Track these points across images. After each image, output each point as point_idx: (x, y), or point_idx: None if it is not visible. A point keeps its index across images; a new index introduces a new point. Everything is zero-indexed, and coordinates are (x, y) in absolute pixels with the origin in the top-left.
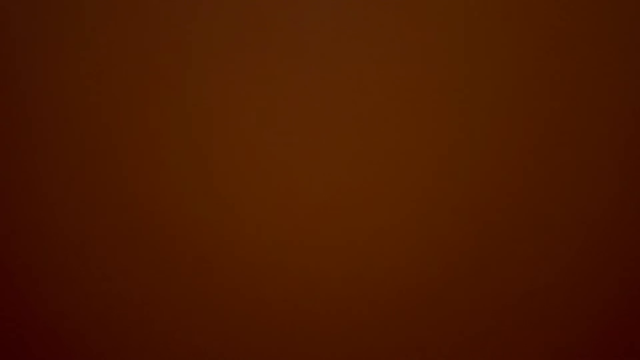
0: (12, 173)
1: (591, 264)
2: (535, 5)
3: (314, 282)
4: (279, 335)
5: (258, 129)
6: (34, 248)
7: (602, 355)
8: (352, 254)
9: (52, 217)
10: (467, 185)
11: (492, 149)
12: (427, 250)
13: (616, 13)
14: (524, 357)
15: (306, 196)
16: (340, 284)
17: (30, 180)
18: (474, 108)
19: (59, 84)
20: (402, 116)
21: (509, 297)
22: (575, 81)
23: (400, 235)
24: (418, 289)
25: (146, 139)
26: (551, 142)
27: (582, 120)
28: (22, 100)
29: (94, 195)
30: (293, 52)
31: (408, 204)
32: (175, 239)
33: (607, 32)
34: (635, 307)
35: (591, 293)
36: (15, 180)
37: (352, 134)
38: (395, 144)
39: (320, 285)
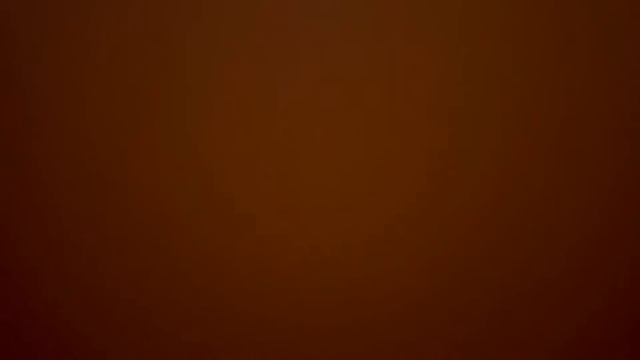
0: (13, 173)
1: (588, 265)
2: (533, 5)
3: (312, 282)
4: (278, 334)
5: (258, 130)
6: (34, 248)
7: (600, 356)
8: (350, 254)
9: (53, 217)
10: (465, 186)
11: (489, 151)
12: (425, 251)
13: (616, 13)
14: (522, 356)
15: (304, 198)
16: (338, 284)
17: (31, 180)
18: (472, 109)
19: (61, 84)
20: (400, 118)
21: (506, 297)
22: (573, 81)
23: (398, 236)
24: (415, 290)
25: (147, 139)
26: (548, 144)
27: (579, 120)
28: (24, 100)
29: (96, 195)
30: (293, 52)
31: (406, 205)
32: (176, 238)
33: (607, 32)
34: (634, 307)
35: (588, 294)
36: (16, 180)
37: (350, 136)
38: (392, 146)
39: (319, 285)
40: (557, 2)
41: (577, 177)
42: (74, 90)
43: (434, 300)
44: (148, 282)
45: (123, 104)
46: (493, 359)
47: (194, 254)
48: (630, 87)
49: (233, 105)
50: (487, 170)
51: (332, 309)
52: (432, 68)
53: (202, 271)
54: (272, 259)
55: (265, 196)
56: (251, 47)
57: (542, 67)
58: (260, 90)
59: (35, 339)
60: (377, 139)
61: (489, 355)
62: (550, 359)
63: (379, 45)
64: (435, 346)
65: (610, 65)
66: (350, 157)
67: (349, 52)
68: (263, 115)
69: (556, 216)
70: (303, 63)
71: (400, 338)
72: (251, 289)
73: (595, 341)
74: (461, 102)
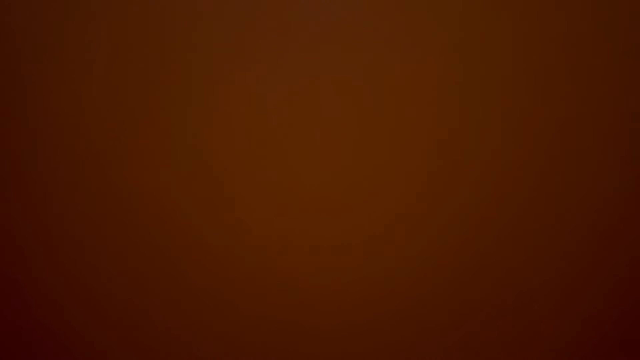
0: (14, 173)
1: (589, 263)
2: (532, 5)
3: (313, 282)
4: (277, 334)
5: (258, 129)
6: (35, 248)
7: (600, 356)
8: (350, 254)
9: (53, 218)
10: (465, 187)
11: (489, 150)
12: (425, 250)
13: (616, 13)
14: (523, 356)
15: (304, 196)
16: (338, 284)
17: (32, 180)
18: (472, 108)
19: (61, 84)
20: (400, 117)
21: (506, 297)
22: (573, 80)
23: (398, 235)
24: (416, 289)
25: (146, 139)
26: (548, 144)
27: (579, 119)
28: (24, 100)
29: (96, 195)
30: (293, 53)
31: (406, 204)
32: (176, 238)
33: (607, 32)
34: (634, 308)
35: (588, 294)
36: (17, 180)
37: (351, 136)
38: (392, 147)
39: (319, 285)
40: (557, 2)
41: (577, 177)
42: (75, 90)
43: (433, 300)
44: (147, 282)
45: (123, 103)
46: (493, 359)
47: (194, 254)
48: (630, 87)
49: (233, 104)
50: (488, 171)
51: (332, 309)
52: (432, 68)
53: (203, 271)
54: (272, 259)
55: (264, 197)
56: (251, 47)
57: (542, 67)
58: (261, 90)
59: (35, 339)
60: (377, 139)
61: (489, 355)
62: (550, 359)
63: (380, 45)
64: (435, 346)
65: (610, 66)
66: (351, 157)
67: (351, 52)
68: (263, 115)
69: (556, 216)
70: (304, 64)
71: (400, 338)
72: (251, 289)
73: (595, 341)
74: (461, 102)
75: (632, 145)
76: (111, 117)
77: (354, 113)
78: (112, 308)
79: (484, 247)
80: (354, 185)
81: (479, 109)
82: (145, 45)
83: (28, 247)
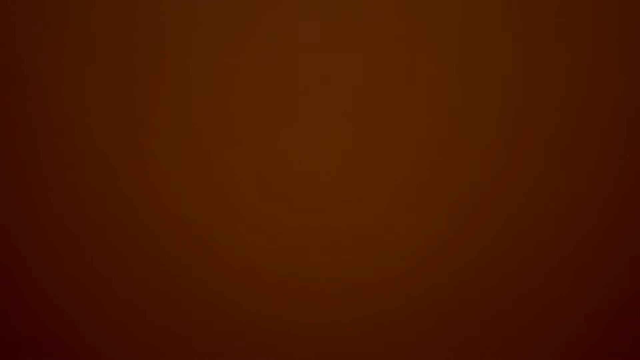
0: (14, 173)
1: (589, 263)
2: (532, 6)
3: (314, 281)
4: (278, 334)
5: (259, 129)
6: (35, 248)
7: (600, 355)
8: (351, 253)
9: (54, 218)
10: (466, 185)
11: (489, 149)
12: (425, 251)
13: (616, 13)
14: (522, 356)
15: (305, 197)
16: (339, 283)
17: (32, 180)
18: (472, 108)
19: (62, 84)
20: (402, 116)
21: (506, 297)
22: (572, 80)
23: (398, 235)
24: (416, 289)
25: (148, 139)
26: (549, 142)
27: (579, 119)
28: (24, 99)
29: (97, 196)
30: (293, 52)
31: (407, 204)
32: (177, 238)
33: (607, 31)
34: (633, 308)
35: (588, 293)
36: (17, 180)
37: (351, 135)
38: (392, 145)
39: (320, 285)
40: (557, 2)
41: (577, 177)
42: (76, 90)
43: (434, 300)
44: (149, 282)
45: (126, 104)
46: (493, 358)
47: (197, 254)
48: (630, 87)
49: (234, 104)
50: (488, 170)
51: (333, 309)
52: (431, 69)
53: (205, 270)
54: (273, 258)
55: (265, 196)
56: (252, 48)
57: (542, 67)
58: (262, 90)
59: (35, 339)
60: (376, 139)
61: (490, 355)
62: (549, 359)
63: (379, 45)
64: (436, 346)
65: (611, 65)
66: (352, 158)
67: (350, 52)
68: (265, 114)
69: (556, 216)
70: (303, 63)
71: (401, 337)
72: (253, 289)
73: (594, 341)
74: (461, 101)
75: (632, 145)
76: (113, 116)
77: (355, 113)
78: (114, 308)
79: (482, 249)
80: (355, 186)
81: (479, 107)
82: (147, 45)
83: (28, 247)
